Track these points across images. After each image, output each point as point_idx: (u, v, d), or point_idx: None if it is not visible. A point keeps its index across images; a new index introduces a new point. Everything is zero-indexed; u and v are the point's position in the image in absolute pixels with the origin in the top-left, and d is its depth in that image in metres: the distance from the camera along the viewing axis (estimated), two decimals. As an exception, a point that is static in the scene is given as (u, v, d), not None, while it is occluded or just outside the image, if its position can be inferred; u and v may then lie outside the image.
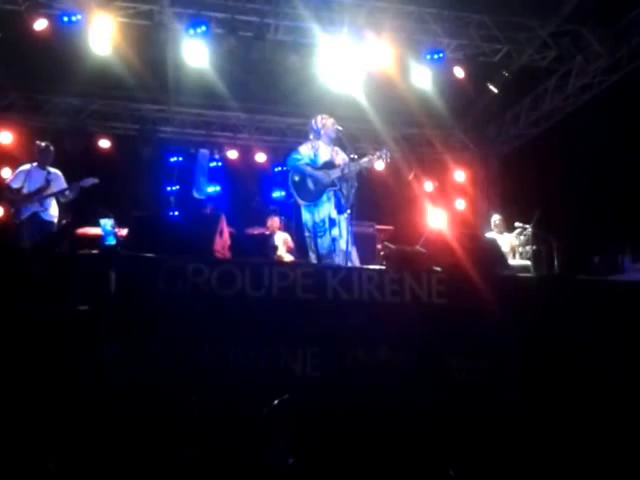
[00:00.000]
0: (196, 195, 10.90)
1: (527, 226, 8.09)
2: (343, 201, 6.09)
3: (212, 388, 4.29)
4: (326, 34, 8.43)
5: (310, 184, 6.13)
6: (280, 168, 11.09)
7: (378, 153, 6.25)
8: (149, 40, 8.61)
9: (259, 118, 11.61)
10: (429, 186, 11.85)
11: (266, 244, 8.04)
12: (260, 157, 11.56)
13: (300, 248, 7.11)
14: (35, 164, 7.12)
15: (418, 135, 11.98)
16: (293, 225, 6.92)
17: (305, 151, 6.24)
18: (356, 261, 6.06)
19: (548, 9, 8.59)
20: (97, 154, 10.84)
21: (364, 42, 8.43)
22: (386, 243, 6.17)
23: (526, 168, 10.40)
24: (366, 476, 4.07)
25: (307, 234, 6.23)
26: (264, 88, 9.92)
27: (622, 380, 4.85)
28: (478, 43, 9.11)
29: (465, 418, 4.48)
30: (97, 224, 7.25)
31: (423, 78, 8.79)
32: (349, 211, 6.04)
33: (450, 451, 4.25)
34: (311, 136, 6.39)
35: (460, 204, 11.98)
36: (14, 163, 7.83)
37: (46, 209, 6.93)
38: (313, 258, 6.11)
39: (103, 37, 7.97)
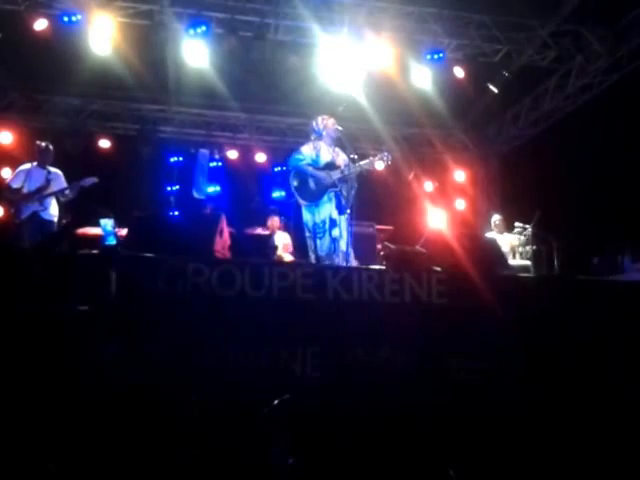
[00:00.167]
0: (196, 195, 10.90)
1: (527, 226, 8.09)
2: (343, 202, 6.10)
3: (212, 388, 4.29)
4: (326, 34, 8.43)
5: (312, 184, 6.14)
6: (280, 168, 11.09)
7: (379, 155, 6.26)
8: (149, 40, 8.59)
9: (259, 118, 11.61)
10: (429, 186, 11.85)
11: (266, 244, 8.03)
12: (260, 157, 11.55)
13: (300, 248, 7.12)
14: (35, 164, 7.12)
15: (418, 135, 11.98)
16: (292, 225, 6.93)
17: (307, 151, 6.25)
18: (354, 262, 6.06)
19: (548, 9, 8.59)
20: (97, 154, 10.84)
21: (364, 42, 8.43)
22: (386, 243, 6.17)
23: (526, 168, 10.40)
24: (366, 476, 4.07)
25: (307, 234, 6.24)
26: (264, 88, 9.92)
27: (622, 380, 4.85)
28: (478, 43, 9.10)
29: (465, 418, 4.48)
30: (97, 224, 7.24)
31: (423, 78, 8.79)
32: (348, 211, 6.05)
33: (450, 451, 4.25)
34: (312, 137, 6.40)
35: (460, 204, 11.98)
36: (14, 163, 7.82)
37: (46, 208, 6.93)
38: (313, 258, 6.12)
39: (103, 37, 7.96)
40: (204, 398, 4.13)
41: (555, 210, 8.54)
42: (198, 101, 10.87)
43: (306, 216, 6.23)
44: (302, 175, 6.17)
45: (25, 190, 6.91)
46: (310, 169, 6.16)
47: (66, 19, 7.92)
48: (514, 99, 10.79)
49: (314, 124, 6.40)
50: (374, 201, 9.10)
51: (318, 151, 6.25)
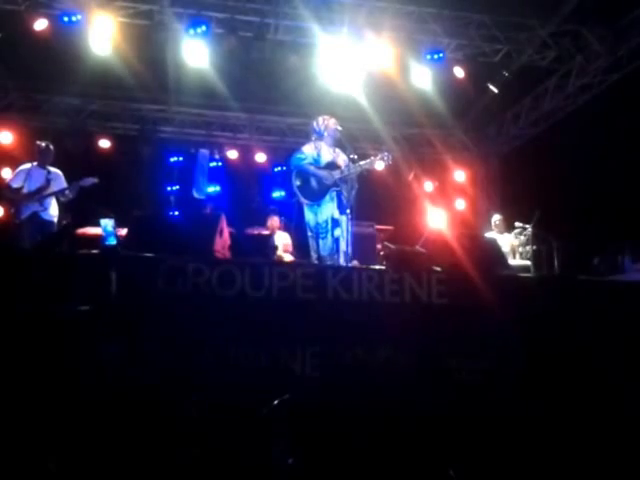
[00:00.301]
0: (196, 195, 10.90)
1: (527, 226, 8.09)
2: (344, 202, 6.10)
3: (212, 388, 4.29)
4: (326, 34, 8.43)
5: (314, 183, 6.15)
6: (280, 168, 11.10)
7: (380, 155, 6.26)
8: (149, 40, 8.60)
9: (259, 118, 11.61)
10: (429, 186, 11.86)
11: (266, 244, 8.03)
12: (260, 157, 11.56)
13: (301, 248, 7.12)
14: (35, 164, 7.12)
15: (418, 135, 11.98)
16: (294, 225, 6.93)
17: (308, 151, 6.26)
18: (354, 262, 6.06)
19: (548, 9, 8.60)
20: (97, 154, 10.85)
21: (364, 42, 8.43)
22: (386, 243, 6.18)
23: (526, 168, 10.40)
24: (366, 476, 4.07)
25: (309, 234, 6.24)
26: (264, 88, 9.92)
27: (622, 380, 4.85)
28: (478, 43, 9.11)
29: (465, 418, 4.47)
30: (97, 224, 7.25)
31: (423, 78, 8.80)
32: (348, 211, 6.05)
33: (450, 451, 4.25)
34: (313, 137, 6.40)
35: (460, 204, 11.98)
36: (14, 163, 7.82)
37: (46, 209, 6.93)
38: (314, 258, 6.12)
39: (103, 37, 7.97)
40: (204, 398, 4.13)
41: (555, 210, 8.55)
42: (198, 101, 10.88)
43: (308, 216, 6.24)
44: (304, 174, 6.18)
45: (25, 190, 6.91)
46: (312, 168, 6.16)
47: (66, 19, 7.93)
48: (514, 99, 10.79)
49: (315, 124, 6.40)
50: (374, 201, 9.10)
51: (319, 151, 6.26)
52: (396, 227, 8.21)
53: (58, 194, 7.02)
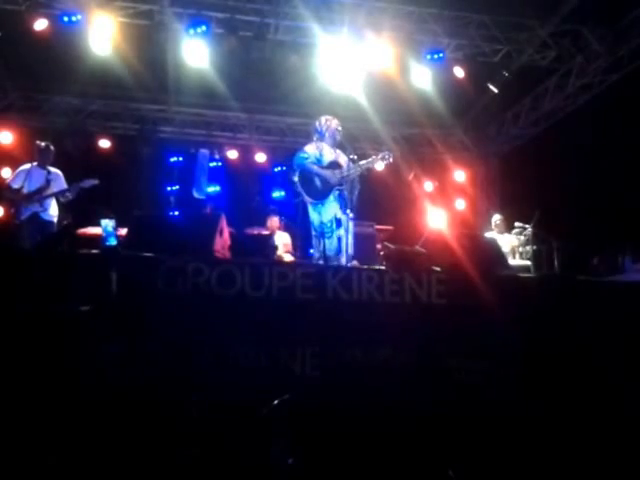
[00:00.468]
0: (196, 195, 10.90)
1: (527, 226, 8.09)
2: (346, 202, 6.11)
3: (212, 388, 4.29)
4: (326, 34, 8.44)
5: (318, 183, 6.15)
6: (280, 168, 11.11)
7: (381, 154, 6.26)
8: (149, 40, 8.61)
9: (259, 118, 11.63)
10: (429, 186, 11.86)
11: (266, 244, 8.03)
12: (260, 157, 11.57)
13: (304, 247, 7.12)
14: (35, 164, 7.12)
15: (418, 135, 11.99)
16: (298, 224, 6.92)
17: (311, 150, 6.27)
18: (354, 262, 6.06)
19: (548, 9, 8.61)
20: (97, 154, 10.86)
21: (364, 42, 8.44)
22: (386, 243, 6.17)
23: (526, 168, 10.41)
24: (366, 476, 4.07)
25: (314, 233, 6.24)
26: (264, 88, 9.93)
27: (622, 380, 4.85)
28: (478, 43, 9.11)
29: (465, 418, 4.47)
30: (98, 224, 7.25)
31: (423, 78, 8.80)
32: (349, 211, 6.06)
33: (450, 451, 4.25)
34: (315, 137, 6.40)
35: (460, 204, 11.99)
36: (14, 163, 7.83)
37: (46, 209, 6.93)
38: (318, 258, 6.12)
39: (103, 37, 7.98)
40: (204, 398, 4.13)
41: (555, 210, 8.55)
42: (198, 101, 10.89)
43: (312, 215, 6.24)
44: (308, 174, 6.17)
45: (25, 190, 6.91)
46: (315, 168, 6.17)
47: (66, 19, 7.93)
48: (514, 99, 10.80)
49: (317, 124, 6.40)
50: (374, 201, 9.09)
51: (321, 151, 6.27)
52: (396, 227, 8.21)
53: (58, 195, 7.02)
